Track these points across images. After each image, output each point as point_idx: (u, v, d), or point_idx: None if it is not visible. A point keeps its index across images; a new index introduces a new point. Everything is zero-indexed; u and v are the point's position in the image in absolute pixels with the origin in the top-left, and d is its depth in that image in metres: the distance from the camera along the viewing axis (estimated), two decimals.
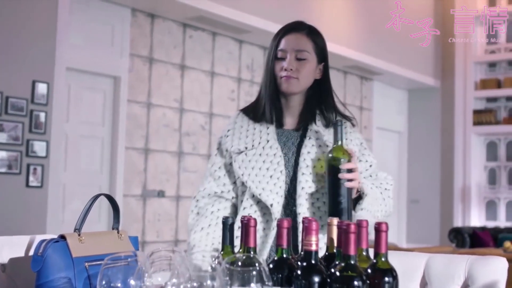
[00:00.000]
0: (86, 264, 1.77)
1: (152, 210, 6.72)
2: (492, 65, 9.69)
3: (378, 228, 1.45)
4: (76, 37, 5.99)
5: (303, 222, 1.52)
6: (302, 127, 2.26)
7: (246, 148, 2.22)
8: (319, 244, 1.48)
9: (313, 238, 1.45)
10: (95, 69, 6.27)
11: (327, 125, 2.23)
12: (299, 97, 2.27)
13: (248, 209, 2.17)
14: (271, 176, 2.16)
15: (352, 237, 1.40)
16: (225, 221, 1.61)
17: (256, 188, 2.15)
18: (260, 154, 2.20)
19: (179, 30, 7.03)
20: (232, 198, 2.28)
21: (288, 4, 7.51)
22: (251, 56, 7.86)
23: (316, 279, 1.43)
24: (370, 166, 2.25)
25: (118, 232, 1.93)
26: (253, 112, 2.27)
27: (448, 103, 9.90)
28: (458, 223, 9.62)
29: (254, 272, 1.33)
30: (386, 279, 1.44)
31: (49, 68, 5.45)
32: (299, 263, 1.47)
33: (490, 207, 9.85)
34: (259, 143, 2.21)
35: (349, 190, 2.00)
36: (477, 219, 9.75)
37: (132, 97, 6.57)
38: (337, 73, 9.12)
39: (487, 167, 9.93)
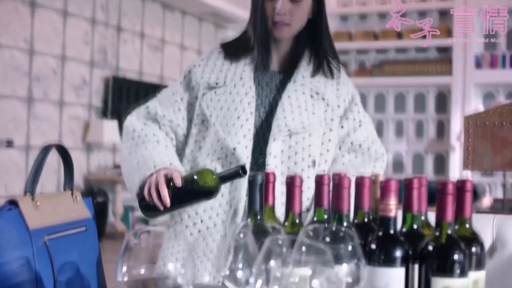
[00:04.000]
0: (45, 237, 1.32)
1: None
2: (344, 18, 9.76)
3: (462, 187, 1.15)
4: None
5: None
6: (288, 70, 1.92)
7: (217, 84, 1.87)
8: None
9: (392, 201, 1.13)
10: None
11: (314, 72, 1.89)
12: (290, 39, 1.93)
13: (210, 158, 1.81)
14: (238, 117, 1.81)
15: (451, 199, 1.10)
16: (253, 179, 1.23)
17: (223, 131, 1.80)
18: (230, 93, 1.85)
19: None
20: (179, 141, 1.93)
21: None
22: None
23: (398, 253, 1.11)
24: (360, 125, 1.94)
25: (72, 194, 1.48)
26: (235, 50, 1.90)
27: None
28: None
29: (350, 248, 0.98)
30: (475, 249, 1.16)
31: None
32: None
33: None
34: (232, 79, 1.86)
35: None
36: None
37: None
38: (192, 19, 8.72)
39: None
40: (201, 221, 1.81)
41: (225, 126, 1.80)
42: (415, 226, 1.18)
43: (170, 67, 8.31)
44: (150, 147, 1.82)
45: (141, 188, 1.76)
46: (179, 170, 1.76)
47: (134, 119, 1.92)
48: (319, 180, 1.24)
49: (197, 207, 1.81)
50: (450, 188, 1.09)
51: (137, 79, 7.77)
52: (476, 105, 8.85)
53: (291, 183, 1.20)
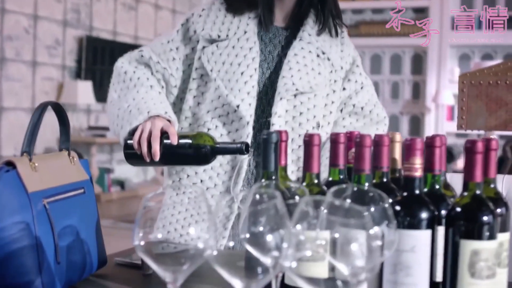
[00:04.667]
0: (44, 201, 1.25)
1: None
2: None
3: (488, 145, 1.11)
4: None
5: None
6: (293, 27, 1.83)
7: (219, 36, 1.77)
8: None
9: (418, 160, 1.08)
10: None
11: (320, 30, 1.82)
12: None
13: (211, 115, 1.73)
14: (242, 73, 1.73)
15: (480, 158, 1.05)
16: (267, 137, 1.17)
17: (225, 87, 1.72)
18: (233, 47, 1.75)
19: None
20: (169, 92, 1.83)
21: None
22: None
23: (425, 215, 1.06)
24: (361, 88, 1.87)
25: (69, 155, 1.41)
26: (239, 4, 1.80)
27: None
28: None
29: (381, 210, 0.93)
30: (500, 210, 1.11)
31: None
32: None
33: None
34: (235, 33, 1.77)
35: None
36: None
37: None
38: None
39: None
40: (201, 181, 1.74)
41: (228, 82, 1.72)
42: (436, 186, 1.13)
43: (144, 27, 8.14)
44: (142, 91, 1.72)
45: (130, 133, 1.66)
46: (173, 121, 1.67)
47: (125, 62, 1.82)
48: (334, 139, 1.19)
49: (197, 167, 1.74)
50: (480, 147, 1.04)
51: (111, 39, 7.60)
52: (452, 67, 8.86)
53: (309, 142, 1.13)
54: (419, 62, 9.22)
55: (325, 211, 0.90)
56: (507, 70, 2.47)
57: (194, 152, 1.59)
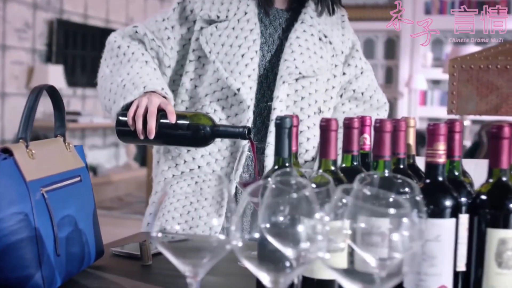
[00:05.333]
0: (42, 190, 1.18)
1: None
2: None
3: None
4: None
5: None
6: (293, 8, 1.77)
7: (218, 17, 1.70)
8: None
9: (441, 146, 1.04)
10: None
11: (321, 12, 1.76)
12: None
13: (209, 98, 1.67)
14: (242, 55, 1.66)
15: (507, 144, 1.01)
16: (281, 122, 1.11)
17: (225, 70, 1.65)
18: (233, 28, 1.69)
19: None
20: (162, 72, 1.75)
21: None
22: None
23: (449, 203, 1.02)
24: (361, 72, 1.82)
25: (64, 141, 1.34)
26: None
27: None
28: None
29: (412, 199, 0.89)
30: None
31: None
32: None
33: None
34: (235, 14, 1.70)
35: None
36: None
37: None
38: None
39: None
40: (198, 167, 1.68)
41: (228, 65, 1.65)
42: (456, 173, 1.10)
43: (115, 10, 7.99)
44: (137, 66, 1.64)
45: (124, 109, 1.58)
46: (170, 98, 1.60)
47: (118, 36, 1.75)
48: (348, 123, 1.14)
49: (194, 152, 1.68)
50: (507, 132, 1.00)
51: (82, 23, 7.44)
52: (425, 52, 8.88)
53: (327, 127, 1.08)
54: (392, 47, 9.22)
55: (358, 200, 0.86)
56: (497, 54, 2.45)
57: (193, 133, 1.51)
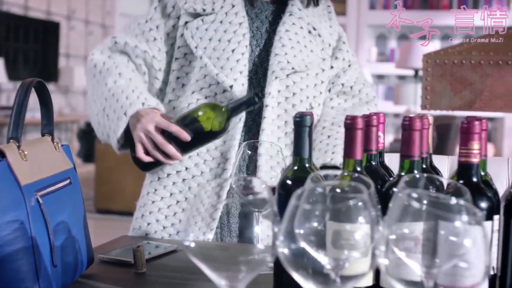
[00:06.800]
0: (37, 195, 1.08)
1: None
2: None
3: None
4: None
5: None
6: (279, 0, 1.69)
7: (204, 10, 1.61)
8: None
9: (476, 145, 0.99)
10: None
11: (308, 4, 1.69)
12: None
13: (196, 96, 1.59)
14: (233, 51, 1.59)
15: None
16: (300, 120, 1.04)
17: (214, 66, 1.57)
18: (221, 22, 1.61)
19: None
20: (153, 76, 1.67)
21: None
22: None
23: (484, 205, 0.98)
24: (349, 65, 1.76)
25: (52, 140, 1.24)
26: None
27: None
28: None
29: (462, 203, 0.83)
30: None
31: None
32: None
33: None
34: (222, 7, 1.62)
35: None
36: None
37: None
38: None
39: None
40: (186, 168, 1.59)
41: (217, 60, 1.57)
42: (482, 173, 1.05)
43: (57, 2, 7.74)
44: (110, 82, 1.56)
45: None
46: (154, 106, 1.53)
47: (96, 53, 1.65)
48: (368, 121, 1.09)
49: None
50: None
51: (22, 14, 7.18)
52: (369, 47, 8.95)
53: (352, 125, 1.01)
54: None
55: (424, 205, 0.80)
56: (471, 49, 2.44)
57: (211, 135, 1.52)
